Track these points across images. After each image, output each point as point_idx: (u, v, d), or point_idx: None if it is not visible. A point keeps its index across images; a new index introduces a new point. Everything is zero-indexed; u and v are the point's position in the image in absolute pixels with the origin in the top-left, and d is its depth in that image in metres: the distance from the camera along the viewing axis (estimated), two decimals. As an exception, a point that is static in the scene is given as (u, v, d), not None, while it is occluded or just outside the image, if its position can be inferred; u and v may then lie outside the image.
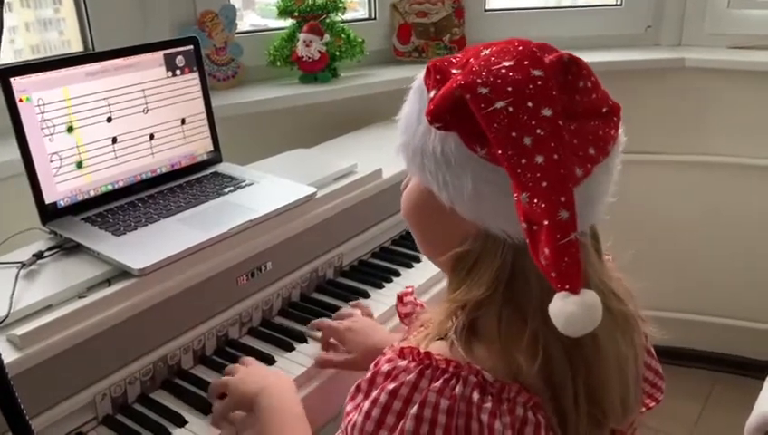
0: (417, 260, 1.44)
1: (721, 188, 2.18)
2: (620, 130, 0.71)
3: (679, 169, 2.19)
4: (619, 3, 2.19)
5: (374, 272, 1.40)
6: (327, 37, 1.87)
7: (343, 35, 1.92)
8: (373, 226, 1.45)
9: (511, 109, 0.63)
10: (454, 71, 0.69)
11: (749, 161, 2.12)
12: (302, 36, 1.85)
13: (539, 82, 0.64)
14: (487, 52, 0.69)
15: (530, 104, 0.63)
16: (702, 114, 2.13)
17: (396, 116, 0.75)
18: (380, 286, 1.35)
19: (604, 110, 0.70)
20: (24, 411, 0.65)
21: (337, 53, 1.91)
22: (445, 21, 2.09)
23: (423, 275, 1.37)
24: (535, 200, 0.61)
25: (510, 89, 0.64)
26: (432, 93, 0.68)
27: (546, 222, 0.60)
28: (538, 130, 0.62)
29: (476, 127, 0.65)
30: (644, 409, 0.85)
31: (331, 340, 1.15)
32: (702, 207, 2.22)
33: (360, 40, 1.94)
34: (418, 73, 0.73)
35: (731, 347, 2.34)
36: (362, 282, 1.37)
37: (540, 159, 0.62)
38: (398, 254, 1.48)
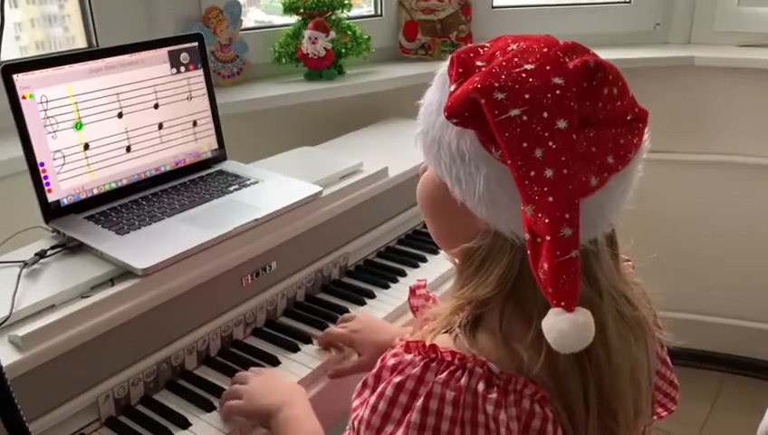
0: (424, 260, 1.42)
1: (729, 188, 2.17)
2: (645, 138, 0.69)
3: (688, 168, 2.17)
4: (627, 0, 2.17)
5: (380, 272, 1.39)
6: (333, 34, 1.85)
7: (349, 32, 1.90)
8: (379, 225, 1.44)
9: (525, 118, 0.62)
10: (478, 63, 0.67)
11: (759, 160, 2.11)
12: (307, 33, 1.83)
13: (557, 91, 0.62)
14: (514, 47, 0.67)
15: (545, 114, 0.62)
16: (711, 113, 2.12)
17: (412, 106, 0.74)
18: (386, 286, 1.34)
19: (629, 117, 0.68)
20: (23, 417, 0.64)
21: (343, 50, 1.90)
22: (451, 18, 2.07)
23: (429, 275, 1.35)
24: (539, 214, 0.60)
25: (527, 96, 0.62)
26: (453, 87, 0.67)
27: (548, 237, 0.60)
28: (550, 143, 0.61)
29: None
30: (655, 417, 0.84)
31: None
32: (708, 206, 2.21)
33: (366, 37, 1.92)
34: (443, 63, 0.72)
35: (739, 348, 2.33)
36: (368, 282, 1.35)
37: (549, 173, 0.61)
38: (404, 254, 1.46)
